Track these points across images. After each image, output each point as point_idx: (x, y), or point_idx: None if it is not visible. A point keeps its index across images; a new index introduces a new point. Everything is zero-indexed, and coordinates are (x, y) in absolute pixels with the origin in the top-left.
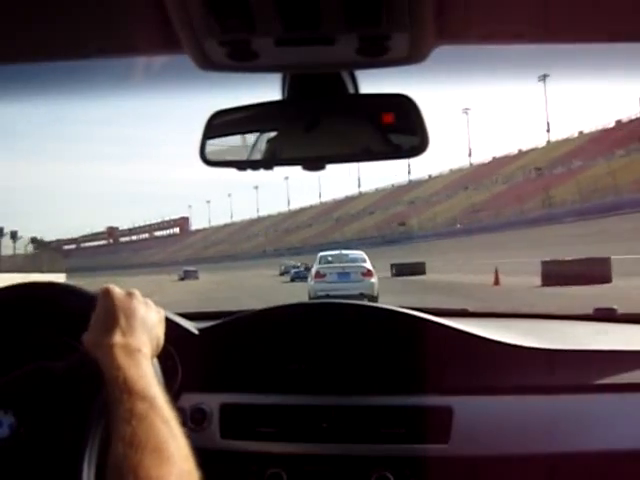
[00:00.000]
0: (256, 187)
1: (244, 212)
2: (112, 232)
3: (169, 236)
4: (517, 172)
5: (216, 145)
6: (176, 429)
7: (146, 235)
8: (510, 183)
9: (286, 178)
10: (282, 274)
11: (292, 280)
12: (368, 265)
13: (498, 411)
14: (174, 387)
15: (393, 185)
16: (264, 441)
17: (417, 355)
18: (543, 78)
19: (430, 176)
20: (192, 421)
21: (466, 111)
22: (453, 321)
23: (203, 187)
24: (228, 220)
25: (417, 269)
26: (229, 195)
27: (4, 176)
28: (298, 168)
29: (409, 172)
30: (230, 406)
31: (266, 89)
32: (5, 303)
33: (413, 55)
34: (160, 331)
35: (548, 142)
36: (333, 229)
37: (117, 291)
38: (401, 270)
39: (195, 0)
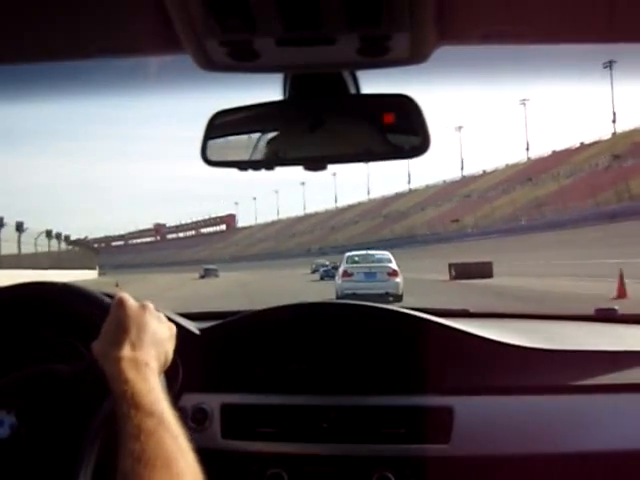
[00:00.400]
0: (303, 183)
1: (291, 209)
2: (159, 229)
3: (215, 233)
4: (582, 165)
5: (217, 145)
6: (185, 445)
7: (193, 232)
8: (575, 177)
9: (334, 174)
10: (313, 272)
11: (321, 278)
12: (393, 265)
13: (499, 411)
14: (175, 387)
15: (445, 181)
16: (265, 441)
17: (418, 355)
18: (609, 65)
19: (485, 171)
20: (193, 421)
21: (524, 102)
22: (454, 321)
23: (250, 184)
24: (274, 217)
25: (482, 270)
26: (276, 192)
27: (55, 175)
28: (345, 166)
29: (462, 167)
30: (231, 406)
31: (267, 89)
32: (6, 302)
33: (414, 55)
34: (170, 347)
35: (614, 134)
36: (381, 226)
37: (131, 302)
38: (463, 271)
39: (196, 0)
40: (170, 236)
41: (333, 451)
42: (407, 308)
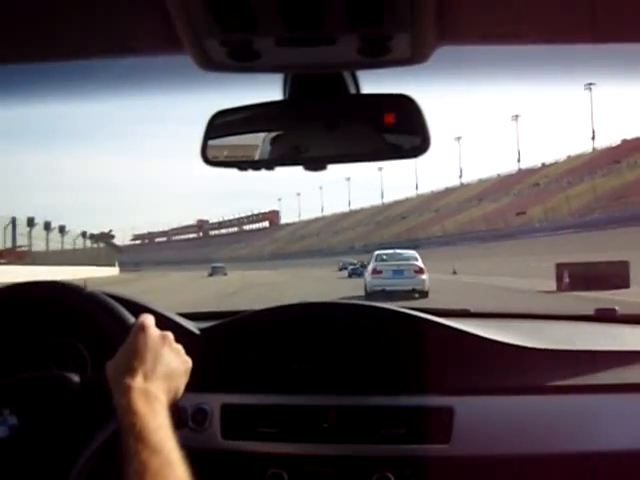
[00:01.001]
0: (348, 179)
1: (335, 206)
2: (202, 225)
3: (258, 230)
4: None
5: (218, 145)
6: None
7: (235, 229)
8: None
9: (380, 169)
10: (340, 270)
11: (349, 276)
12: (420, 263)
13: (499, 411)
14: None
15: (499, 175)
16: (265, 441)
17: (418, 355)
18: None
19: (544, 164)
20: (193, 421)
21: (589, 87)
22: (454, 321)
23: (294, 180)
24: (318, 214)
25: (614, 275)
26: (320, 188)
27: (102, 173)
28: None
29: (519, 160)
30: (231, 406)
31: (267, 89)
32: (6, 302)
33: (415, 55)
34: (182, 382)
35: None
36: (431, 222)
37: (152, 330)
38: (584, 277)
39: (196, 0)
40: (213, 232)
41: (333, 451)
42: (407, 308)
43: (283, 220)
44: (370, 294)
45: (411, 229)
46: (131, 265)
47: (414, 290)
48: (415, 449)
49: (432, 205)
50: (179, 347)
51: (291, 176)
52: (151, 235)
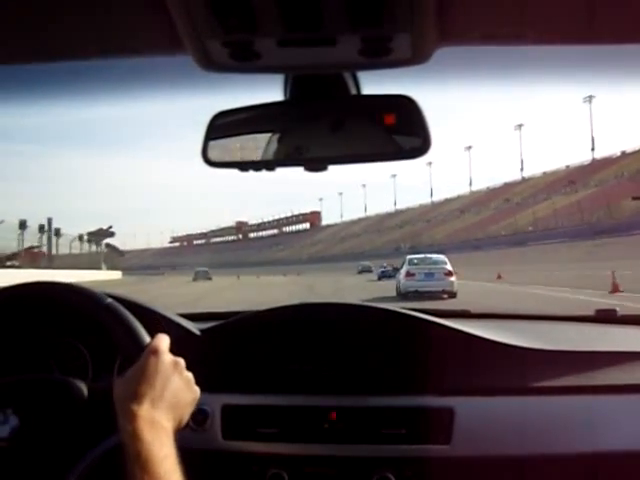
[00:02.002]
0: (394, 176)
1: (381, 205)
2: (241, 227)
3: (298, 232)
4: None
5: (218, 146)
6: None
7: (275, 231)
8: None
9: (429, 163)
10: (360, 272)
11: (379, 279)
12: (449, 267)
13: (499, 412)
14: None
15: (568, 166)
16: (265, 442)
17: (418, 356)
18: None
19: (624, 152)
20: (194, 422)
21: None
22: (454, 322)
23: (336, 179)
24: (362, 214)
25: None
26: (363, 186)
27: (140, 175)
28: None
29: (592, 149)
30: (231, 407)
31: (268, 90)
32: (6, 301)
33: (415, 56)
34: (187, 412)
35: None
36: (490, 221)
37: (165, 356)
38: None
39: (197, 1)
40: (252, 235)
41: (334, 452)
42: (407, 309)
43: (324, 221)
44: (403, 295)
45: (465, 229)
46: (150, 269)
47: (444, 291)
48: (415, 450)
49: (490, 203)
50: (190, 376)
51: (333, 175)
52: (189, 237)
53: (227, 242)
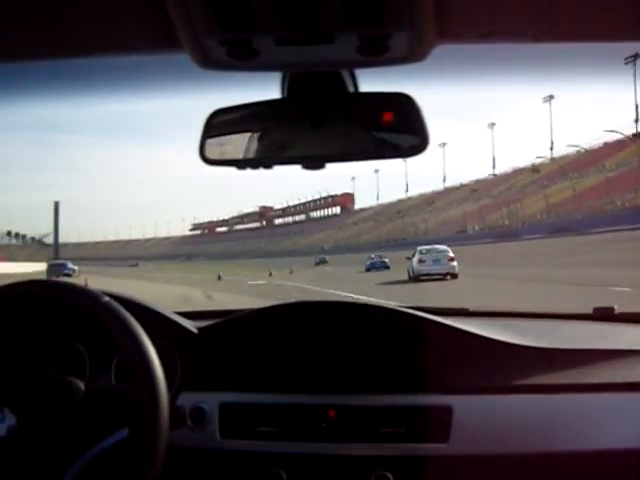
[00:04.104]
0: (443, 144)
1: (426, 182)
2: (265, 212)
3: (328, 217)
4: None
5: (216, 143)
6: None
7: (302, 216)
8: None
9: (492, 124)
10: (317, 264)
11: (367, 270)
12: (451, 254)
13: (498, 410)
14: (173, 386)
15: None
16: (263, 440)
17: (417, 354)
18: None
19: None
20: (191, 420)
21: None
22: (453, 320)
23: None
24: (401, 195)
25: None
26: (404, 161)
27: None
28: None
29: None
30: (229, 405)
31: (266, 88)
32: (2, 300)
33: (413, 54)
34: None
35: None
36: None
37: None
38: None
39: None
40: (277, 221)
41: (332, 450)
42: (406, 307)
43: (358, 204)
44: (416, 277)
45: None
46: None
47: (447, 273)
48: (414, 448)
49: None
50: None
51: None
52: (211, 225)
53: (249, 230)
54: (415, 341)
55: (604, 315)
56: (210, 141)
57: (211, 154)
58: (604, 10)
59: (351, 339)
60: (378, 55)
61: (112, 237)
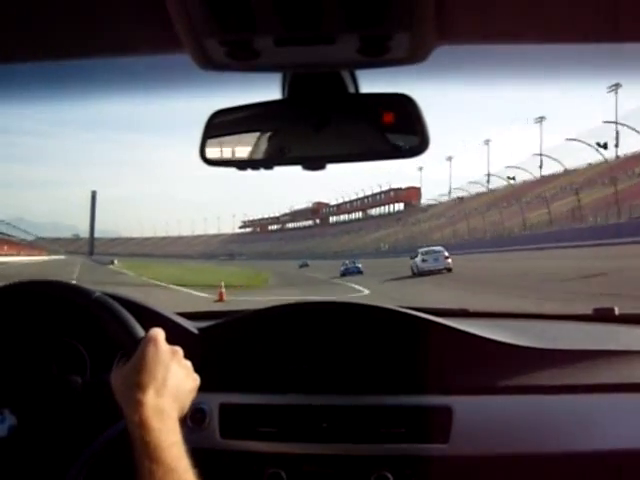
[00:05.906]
0: (541, 118)
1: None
2: (318, 209)
3: (389, 214)
4: None
5: (216, 144)
6: None
7: (360, 214)
8: None
9: (614, 86)
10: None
11: (342, 275)
12: (446, 253)
13: (498, 411)
14: None
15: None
16: (264, 441)
17: (417, 355)
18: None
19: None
20: (192, 421)
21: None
22: (453, 321)
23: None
24: (480, 188)
25: None
26: (486, 142)
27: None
28: None
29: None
30: (230, 406)
31: (266, 88)
32: (9, 298)
33: (414, 55)
34: (189, 400)
35: None
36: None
37: (162, 344)
38: None
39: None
40: (333, 219)
41: (332, 451)
42: (406, 308)
43: (424, 200)
44: (419, 273)
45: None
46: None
47: (445, 268)
48: (414, 448)
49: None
50: (188, 364)
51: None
52: (262, 222)
53: (302, 228)
54: (415, 342)
55: (604, 316)
56: (211, 141)
57: (211, 155)
58: (606, 12)
59: (351, 340)
60: (379, 56)
61: (161, 233)
